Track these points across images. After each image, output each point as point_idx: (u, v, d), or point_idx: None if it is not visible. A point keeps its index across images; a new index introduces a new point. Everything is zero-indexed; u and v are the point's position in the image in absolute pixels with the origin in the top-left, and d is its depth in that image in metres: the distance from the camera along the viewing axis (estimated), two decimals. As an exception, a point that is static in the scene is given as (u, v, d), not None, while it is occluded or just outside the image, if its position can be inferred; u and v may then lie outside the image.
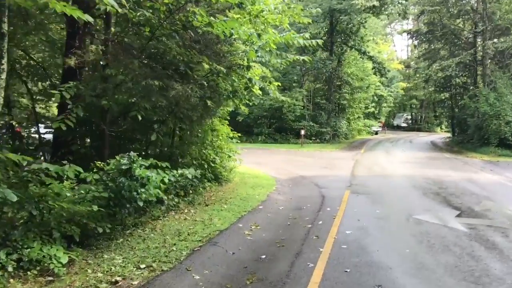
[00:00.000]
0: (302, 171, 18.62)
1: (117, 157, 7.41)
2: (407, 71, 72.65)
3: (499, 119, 27.91)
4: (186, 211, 9.61)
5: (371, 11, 37.00)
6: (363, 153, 28.25)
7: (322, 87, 44.55)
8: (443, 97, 45.71)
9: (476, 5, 32.47)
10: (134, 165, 7.22)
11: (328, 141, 37.77)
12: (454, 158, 25.93)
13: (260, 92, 11.65)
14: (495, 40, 30.02)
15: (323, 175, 17.43)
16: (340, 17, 35.95)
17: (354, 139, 45.74)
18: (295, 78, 41.47)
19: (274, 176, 17.18)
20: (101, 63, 8.71)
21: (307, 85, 43.04)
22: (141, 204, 7.80)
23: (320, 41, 10.87)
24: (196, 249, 7.04)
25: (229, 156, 16.52)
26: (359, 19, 36.79)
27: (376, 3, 31.72)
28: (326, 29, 39.78)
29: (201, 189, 11.28)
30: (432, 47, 38.88)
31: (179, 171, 9.22)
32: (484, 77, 31.07)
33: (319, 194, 12.74)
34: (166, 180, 8.13)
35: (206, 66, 9.49)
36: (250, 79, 10.07)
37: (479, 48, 31.83)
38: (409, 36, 40.59)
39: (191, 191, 10.98)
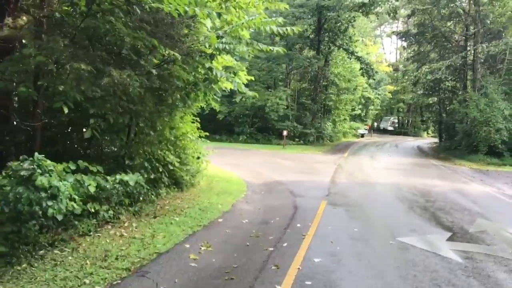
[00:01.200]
0: (279, 175, 17.10)
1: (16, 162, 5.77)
2: (395, 74, 71.67)
3: (489, 126, 26.70)
4: (126, 224, 7.98)
5: (360, 10, 35.72)
6: (346, 157, 26.83)
7: (308, 87, 43.15)
8: (431, 101, 44.62)
9: (468, 7, 31.25)
10: (38, 171, 5.57)
11: (312, 143, 36.38)
12: (442, 165, 24.64)
13: (228, 86, 10.07)
14: (487, 44, 28.77)
15: (300, 180, 15.92)
16: (328, 14, 34.48)
17: (339, 141, 44.42)
18: (280, 76, 39.87)
19: (247, 180, 15.63)
20: (24, 41, 7.06)
21: (293, 85, 41.59)
22: (59, 218, 6.20)
23: (296, 28, 9.31)
24: (115, 283, 5.43)
25: (198, 158, 15.02)
26: (347, 16, 35.35)
27: (366, 0, 30.36)
28: (314, 27, 38.32)
29: (153, 196, 9.65)
30: (422, 50, 37.66)
31: (118, 177, 7.62)
32: (474, 82, 29.86)
33: (292, 205, 11.20)
34: (91, 189, 6.52)
35: (162, 52, 7.92)
36: (210, 69, 8.45)
37: (470, 51, 30.64)
38: (398, 37, 39.29)
39: (141, 199, 9.37)
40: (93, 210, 7.38)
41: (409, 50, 43.03)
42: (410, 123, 71.64)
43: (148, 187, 9.51)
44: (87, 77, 6.64)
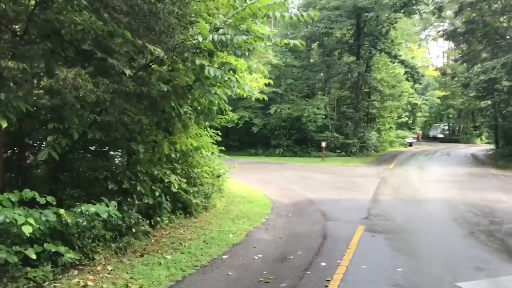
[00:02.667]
0: (312, 193, 15.08)
1: None
2: (443, 79, 67.75)
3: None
4: (99, 268, 6.27)
5: (401, 10, 33.25)
6: (392, 169, 24.32)
7: (349, 95, 40.78)
8: (484, 105, 41.08)
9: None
10: None
11: (354, 154, 33.88)
12: (502, 174, 21.70)
13: (234, 89, 8.26)
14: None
15: (336, 199, 13.81)
16: (367, 15, 32.16)
17: (385, 151, 41.57)
18: (318, 85, 37.71)
19: (274, 199, 13.72)
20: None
21: (332, 93, 39.32)
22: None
23: (314, 12, 7.43)
24: None
25: (218, 176, 13.32)
26: (387, 16, 32.90)
27: (406, -1, 28.02)
28: (352, 31, 36.15)
29: (145, 226, 7.93)
30: (472, 49, 34.51)
31: (80, 208, 5.95)
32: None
33: (321, 232, 9.17)
34: (25, 229, 4.86)
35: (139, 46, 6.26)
36: (201, 66, 6.65)
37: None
38: (445, 37, 36.27)
39: (133, 230, 7.69)
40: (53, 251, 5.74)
41: (458, 51, 39.80)
42: (461, 129, 67.34)
43: (139, 217, 7.81)
44: (23, 78, 5.02)
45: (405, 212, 11.31)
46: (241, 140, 35.81)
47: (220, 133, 15.10)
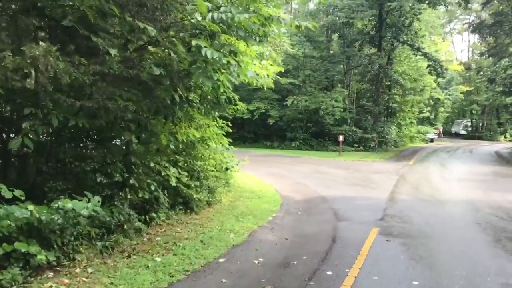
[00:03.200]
0: (326, 189, 14.31)
1: None
2: (468, 74, 65.73)
3: None
4: (78, 270, 5.65)
5: (426, 0, 31.96)
6: (412, 165, 23.32)
7: (369, 88, 39.62)
8: (511, 101, 39.54)
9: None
10: None
11: (373, 149, 32.82)
12: (529, 174, 20.57)
13: (234, 74, 7.50)
14: None
15: (351, 196, 13.01)
16: (389, 5, 30.90)
17: (405, 147, 40.33)
18: (337, 77, 36.61)
19: (285, 195, 13.01)
20: None
21: (352, 85, 38.18)
22: None
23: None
24: None
25: (226, 169, 12.69)
26: (411, 6, 31.57)
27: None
28: (374, 22, 34.91)
29: (138, 223, 7.29)
30: (500, 42, 33.01)
31: (57, 204, 5.33)
32: None
33: (331, 233, 8.42)
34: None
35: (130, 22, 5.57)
36: (198, 48, 5.92)
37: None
38: (471, 29, 34.82)
39: (124, 227, 7.07)
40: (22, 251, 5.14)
41: (484, 44, 38.24)
42: (485, 126, 65.34)
43: (130, 213, 7.19)
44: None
45: (424, 214, 10.45)
46: (256, 132, 35.08)
47: (230, 124, 14.48)
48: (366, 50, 36.57)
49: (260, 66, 9.80)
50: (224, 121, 14.75)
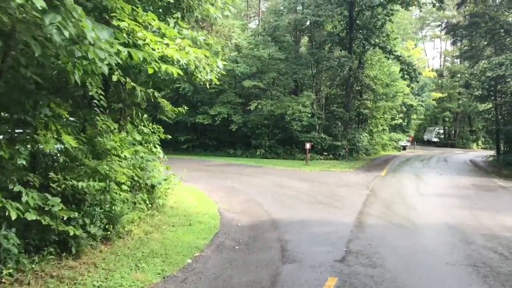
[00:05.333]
0: (281, 208, 11.73)
1: None
2: (440, 81, 64.69)
3: None
4: None
5: (398, 0, 29.94)
6: (384, 177, 20.99)
7: (339, 93, 37.45)
8: (486, 108, 38.01)
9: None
10: None
11: (343, 157, 30.50)
12: (512, 187, 18.48)
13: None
14: None
15: (309, 220, 10.42)
16: (360, 2, 28.73)
17: (376, 155, 38.28)
18: (305, 79, 34.08)
19: (228, 218, 10.37)
20: None
21: (322, 90, 35.86)
22: None
23: None
24: None
25: (152, 187, 10.04)
26: (382, 8, 29.49)
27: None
28: (344, 23, 32.72)
29: None
30: (475, 45, 31.31)
31: None
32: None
33: (270, 285, 5.77)
34: None
35: None
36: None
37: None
38: (446, 31, 33.08)
39: None
40: None
41: (456, 49, 36.58)
42: (457, 133, 64.32)
43: None
44: None
45: (399, 250, 7.89)
46: (219, 139, 32.31)
47: (162, 128, 11.91)
48: (336, 53, 34.34)
49: (177, 47, 7.12)
50: (157, 126, 12.17)
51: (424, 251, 7.80)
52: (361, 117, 39.77)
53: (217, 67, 12.16)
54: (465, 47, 33.00)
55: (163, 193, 10.96)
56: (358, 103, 37.21)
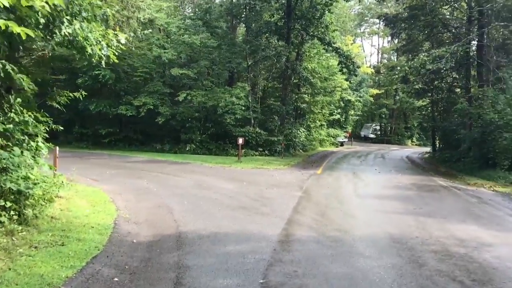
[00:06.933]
0: (196, 217, 9.58)
1: None
2: (377, 77, 65.17)
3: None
4: None
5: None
6: (320, 175, 19.38)
7: (277, 86, 35.73)
8: (423, 104, 37.88)
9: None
10: None
11: (279, 153, 28.79)
12: (453, 186, 17.39)
13: None
14: (504, 23, 21.84)
15: (225, 233, 8.29)
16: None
17: (314, 151, 37.06)
18: (239, 68, 31.78)
19: (123, 231, 8.12)
20: None
21: (259, 83, 33.93)
22: None
23: None
24: None
25: (20, 192, 7.54)
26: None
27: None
28: (282, 12, 30.89)
29: None
30: (414, 38, 30.60)
31: None
32: (487, 74, 22.83)
33: None
34: None
35: None
36: None
37: (480, 35, 23.66)
38: (385, 23, 32.18)
39: None
40: None
41: (399, 41, 36.06)
42: (393, 130, 65.11)
43: None
44: None
45: (333, 280, 5.92)
46: (146, 133, 29.47)
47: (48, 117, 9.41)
48: (273, 41, 32.48)
49: None
50: (41, 113, 9.65)
51: (365, 282, 5.89)
52: (298, 111, 38.32)
53: (118, 42, 9.87)
54: (404, 41, 32.25)
55: (38, 201, 8.47)
56: (296, 96, 35.70)
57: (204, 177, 16.75)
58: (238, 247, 7.39)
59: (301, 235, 8.30)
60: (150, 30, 25.27)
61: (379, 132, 64.89)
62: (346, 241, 7.99)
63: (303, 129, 36.67)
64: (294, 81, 34.42)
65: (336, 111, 48.51)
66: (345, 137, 51.55)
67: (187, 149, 27.78)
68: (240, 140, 24.16)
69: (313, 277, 5.92)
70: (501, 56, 24.34)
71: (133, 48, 24.33)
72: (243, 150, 25.84)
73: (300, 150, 33.68)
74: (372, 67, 68.00)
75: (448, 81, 29.75)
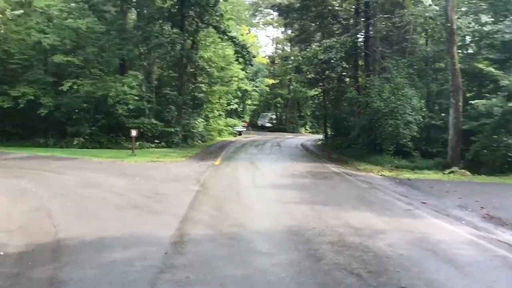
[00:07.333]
0: (77, 221, 8.62)
1: None
2: (272, 67, 66.53)
3: (396, 119, 20.88)
4: None
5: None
6: (218, 166, 19.00)
7: (173, 75, 34.59)
8: (313, 94, 39.24)
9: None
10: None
11: (177, 144, 27.92)
12: (345, 172, 18.01)
13: None
14: (387, 15, 23.09)
15: (110, 238, 7.46)
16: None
17: (213, 141, 36.67)
18: (130, 55, 30.00)
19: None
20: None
21: (154, 72, 32.50)
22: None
23: None
24: None
25: None
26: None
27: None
28: (175, -2, 29.79)
29: None
30: (306, 29, 31.40)
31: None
32: (373, 64, 24.05)
33: None
34: None
35: None
36: None
37: (367, 27, 24.85)
38: (278, 12, 32.65)
39: None
40: None
41: (292, 32, 36.80)
42: (287, 119, 67.15)
43: None
44: None
45: (228, 285, 5.47)
46: (26, 126, 26.74)
47: None
48: (168, 29, 31.27)
49: None
50: None
51: (263, 283, 5.53)
52: (196, 101, 37.57)
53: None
54: (297, 31, 32.97)
55: None
56: (193, 86, 34.97)
57: (92, 174, 15.48)
58: (126, 253, 6.64)
59: (196, 234, 7.77)
60: (22, 11, 22.80)
61: (275, 121, 66.46)
62: (244, 237, 7.62)
63: (201, 119, 36.05)
64: (190, 70, 33.64)
65: (233, 101, 48.52)
66: (243, 126, 51.99)
67: (75, 143, 25.81)
68: (134, 132, 22.88)
69: (207, 283, 5.41)
70: (386, 46, 25.81)
71: (8, 33, 21.81)
72: (138, 143, 24.62)
73: (199, 141, 33.09)
74: (267, 57, 69.22)
75: (338, 70, 31.00)
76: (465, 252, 7.06)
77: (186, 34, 30.06)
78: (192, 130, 31.81)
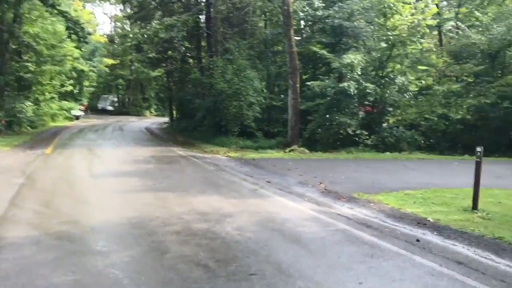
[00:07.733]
0: None
1: None
2: (111, 47, 62.66)
3: (240, 100, 21.12)
4: None
5: None
6: (49, 155, 16.96)
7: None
8: (159, 73, 37.95)
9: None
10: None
11: (0, 132, 24.35)
12: (191, 156, 17.59)
13: None
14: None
15: None
16: None
17: (45, 127, 33.03)
18: None
19: None
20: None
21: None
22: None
23: None
24: None
25: None
26: None
27: None
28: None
29: None
30: (145, 6, 29.86)
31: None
32: (216, 45, 23.90)
33: None
34: None
35: None
36: None
37: (204, 7, 24.53)
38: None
39: None
40: None
41: (131, 7, 34.78)
42: (131, 101, 64.33)
43: None
44: None
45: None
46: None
47: None
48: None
49: None
50: None
51: (96, 284, 4.74)
52: (22, 83, 33.30)
53: None
54: (136, 8, 31.19)
55: None
56: (17, 65, 30.84)
57: None
58: None
59: (16, 236, 6.50)
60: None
61: (117, 104, 63.18)
62: (75, 236, 6.60)
63: (30, 103, 32.03)
64: (13, 47, 29.54)
65: (68, 82, 44.37)
66: (81, 110, 48.18)
67: None
68: None
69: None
70: (227, 28, 25.89)
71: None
72: None
73: (28, 127, 29.45)
74: (105, 36, 65.02)
75: (181, 51, 30.29)
76: (309, 229, 7.14)
77: (6, 6, 26.18)
78: (19, 115, 28.13)
